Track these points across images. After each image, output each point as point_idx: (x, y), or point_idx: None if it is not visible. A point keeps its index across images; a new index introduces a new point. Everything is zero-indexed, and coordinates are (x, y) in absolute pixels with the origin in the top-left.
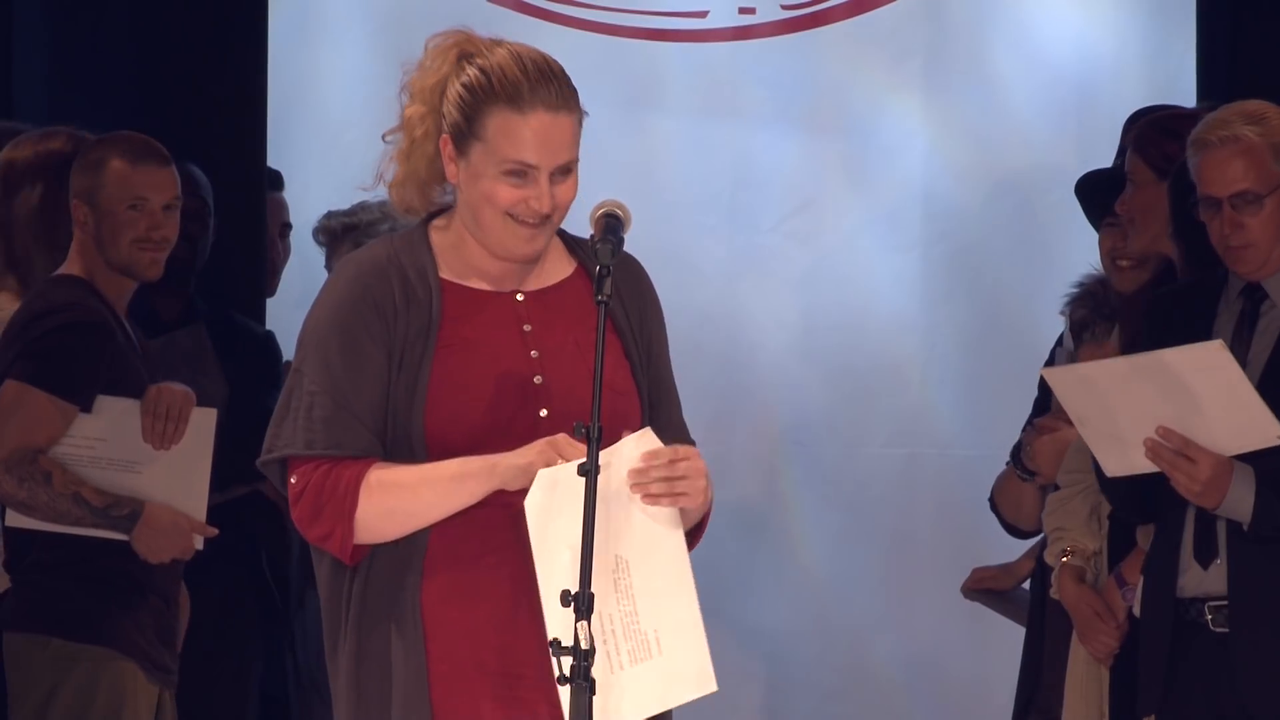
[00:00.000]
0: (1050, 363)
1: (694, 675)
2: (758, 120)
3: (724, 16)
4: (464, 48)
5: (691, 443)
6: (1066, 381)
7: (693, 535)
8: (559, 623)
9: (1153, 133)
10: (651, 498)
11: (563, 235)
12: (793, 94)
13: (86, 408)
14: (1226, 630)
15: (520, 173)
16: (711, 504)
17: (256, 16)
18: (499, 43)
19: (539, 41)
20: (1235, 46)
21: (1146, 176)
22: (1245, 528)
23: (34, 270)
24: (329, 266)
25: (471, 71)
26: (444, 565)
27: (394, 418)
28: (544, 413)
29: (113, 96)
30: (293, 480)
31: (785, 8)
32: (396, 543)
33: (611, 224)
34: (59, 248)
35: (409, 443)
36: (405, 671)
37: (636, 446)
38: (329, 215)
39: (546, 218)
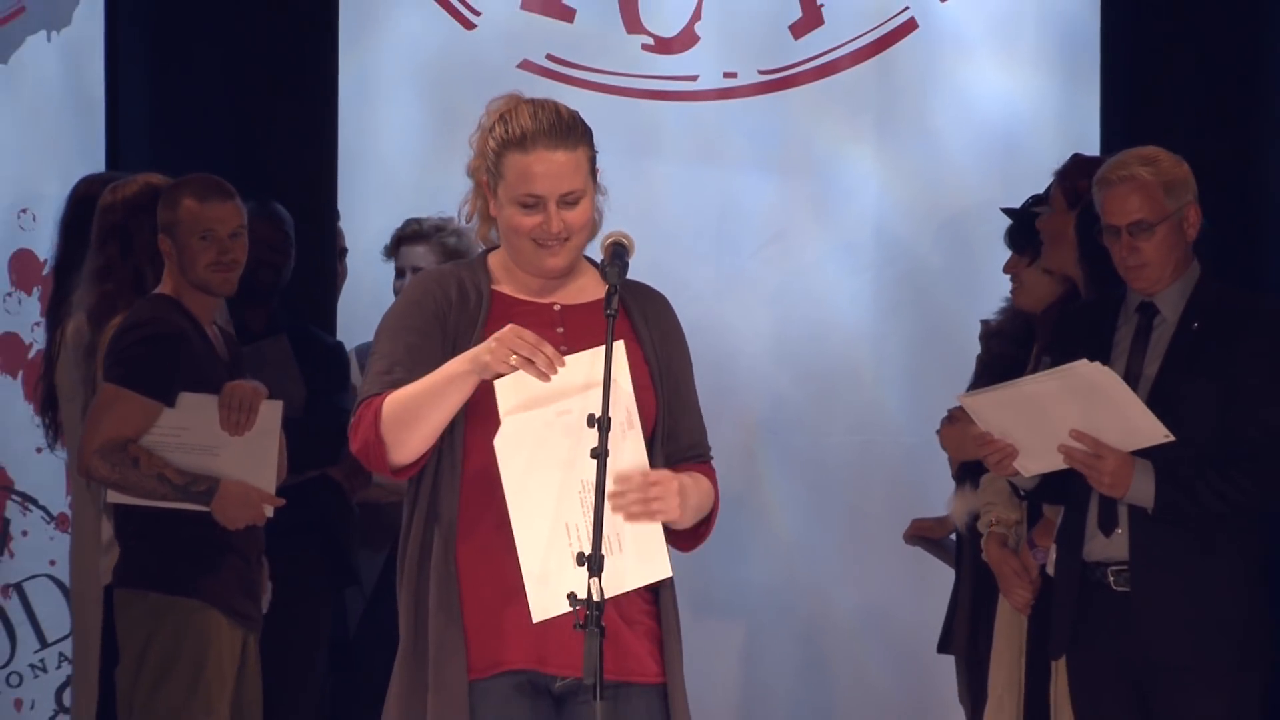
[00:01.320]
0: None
1: (649, 564)
2: (739, 166)
3: (711, 80)
4: (505, 109)
5: (705, 446)
6: (980, 405)
7: (700, 529)
8: (527, 536)
9: (1071, 169)
10: (631, 516)
11: (597, 266)
12: (768, 144)
13: (170, 403)
14: (1127, 589)
15: (531, 203)
16: (717, 505)
17: (328, 77)
18: (534, 101)
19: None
20: (1133, 104)
21: (1060, 204)
22: (1150, 513)
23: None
24: (399, 267)
25: (499, 127)
26: (475, 531)
27: None
28: None
29: (206, 145)
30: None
31: (762, 72)
32: (437, 513)
33: (618, 250)
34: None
35: (452, 416)
36: (443, 613)
37: (591, 362)
38: (412, 222)
39: (563, 238)
